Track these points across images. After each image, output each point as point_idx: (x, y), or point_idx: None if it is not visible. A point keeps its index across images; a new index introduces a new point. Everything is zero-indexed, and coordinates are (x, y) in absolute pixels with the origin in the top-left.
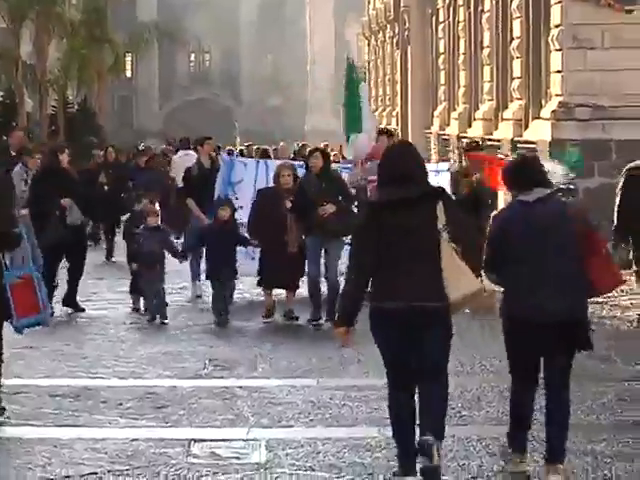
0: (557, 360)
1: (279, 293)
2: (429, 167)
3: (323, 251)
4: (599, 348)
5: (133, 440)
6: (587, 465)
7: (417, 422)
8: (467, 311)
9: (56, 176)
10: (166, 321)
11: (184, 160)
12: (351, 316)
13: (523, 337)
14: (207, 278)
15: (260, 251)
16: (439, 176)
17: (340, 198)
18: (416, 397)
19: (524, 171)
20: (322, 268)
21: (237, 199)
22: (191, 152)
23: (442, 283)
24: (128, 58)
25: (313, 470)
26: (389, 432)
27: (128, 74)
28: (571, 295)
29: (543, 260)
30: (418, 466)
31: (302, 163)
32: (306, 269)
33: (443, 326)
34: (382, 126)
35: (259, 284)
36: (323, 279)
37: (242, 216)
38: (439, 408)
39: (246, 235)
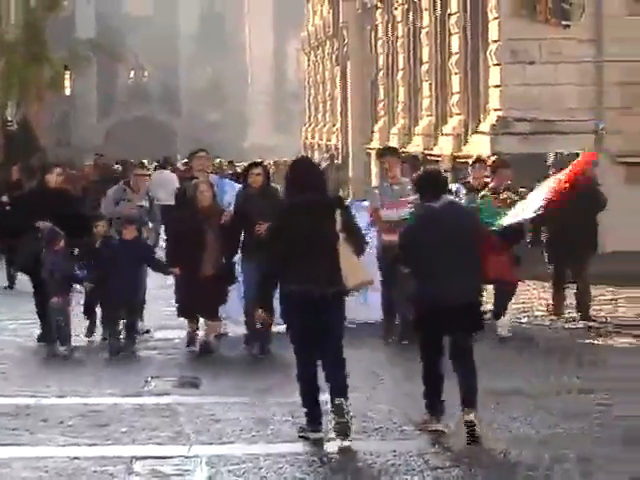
0: (459, 336)
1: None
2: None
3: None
4: None
5: (74, 458)
6: None
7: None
8: None
9: (42, 196)
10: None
11: (162, 178)
12: (267, 299)
13: (432, 319)
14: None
15: (177, 277)
16: None
17: None
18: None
19: (433, 183)
20: None
21: None
22: (166, 171)
23: (340, 273)
24: (67, 75)
25: None
26: (331, 448)
27: (67, 91)
28: (469, 284)
29: (448, 255)
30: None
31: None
32: (241, 293)
33: (340, 307)
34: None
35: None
36: None
37: None
38: (343, 374)
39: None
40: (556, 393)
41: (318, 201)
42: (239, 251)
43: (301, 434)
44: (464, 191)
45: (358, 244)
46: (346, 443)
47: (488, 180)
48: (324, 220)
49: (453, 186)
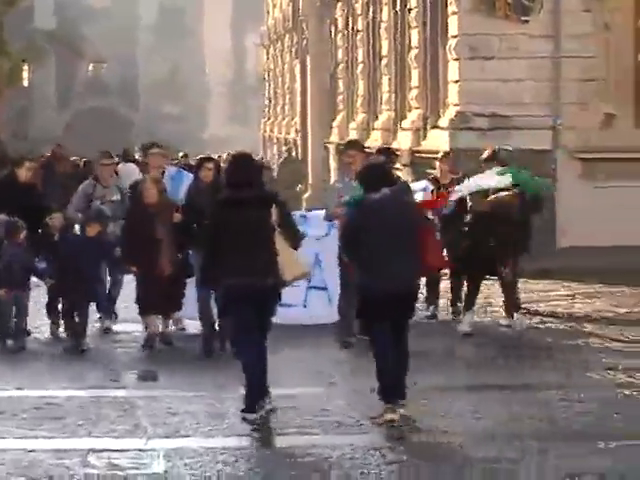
0: (401, 321)
1: None
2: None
3: None
4: None
5: (30, 451)
6: None
7: None
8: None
9: (11, 189)
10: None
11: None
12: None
13: (378, 307)
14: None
15: (135, 275)
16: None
17: None
18: None
19: (376, 174)
20: None
21: None
22: (130, 163)
23: (277, 266)
24: (25, 67)
25: None
26: (289, 441)
27: (25, 83)
28: (411, 272)
29: (391, 244)
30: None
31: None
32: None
33: (276, 297)
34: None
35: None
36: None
37: None
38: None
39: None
40: (516, 388)
41: (254, 196)
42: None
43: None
44: (432, 187)
45: (293, 238)
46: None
47: (458, 176)
48: (260, 214)
49: (422, 183)
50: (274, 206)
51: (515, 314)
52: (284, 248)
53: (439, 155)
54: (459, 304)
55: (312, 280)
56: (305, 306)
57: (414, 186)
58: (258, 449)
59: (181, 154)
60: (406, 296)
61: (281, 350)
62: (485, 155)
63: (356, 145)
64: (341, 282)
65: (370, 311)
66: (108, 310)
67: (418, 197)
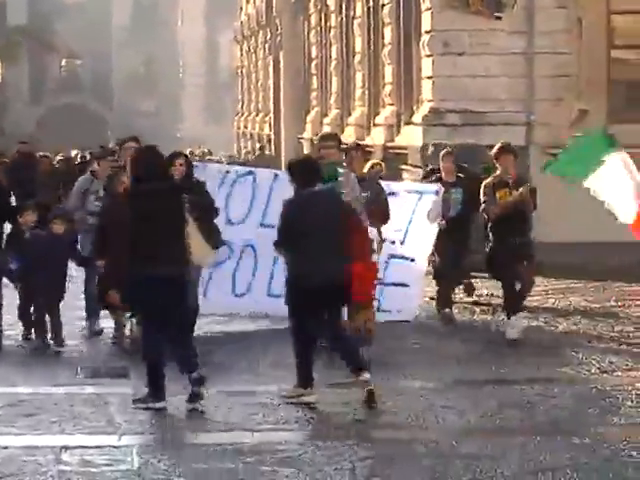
0: (332, 313)
1: None
2: (405, 187)
3: None
4: None
5: (3, 448)
6: None
7: None
8: None
9: None
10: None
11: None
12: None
13: (309, 298)
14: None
15: (103, 269)
16: (422, 200)
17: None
18: None
19: (308, 170)
20: None
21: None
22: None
23: (187, 253)
24: None
25: (186, 476)
26: (263, 437)
27: None
28: (340, 264)
29: (322, 238)
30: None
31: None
32: None
33: (184, 284)
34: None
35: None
36: None
37: (235, 236)
38: (188, 349)
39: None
40: (493, 383)
41: (162, 187)
42: None
43: (141, 405)
44: (442, 190)
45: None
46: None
47: (461, 175)
48: (169, 205)
49: (433, 186)
50: (183, 195)
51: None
52: (194, 234)
53: (441, 154)
54: (446, 309)
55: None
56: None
57: (424, 188)
58: (232, 445)
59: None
60: (335, 289)
61: (254, 346)
62: (495, 150)
63: (333, 138)
64: None
65: (299, 302)
66: (95, 311)
67: (429, 202)
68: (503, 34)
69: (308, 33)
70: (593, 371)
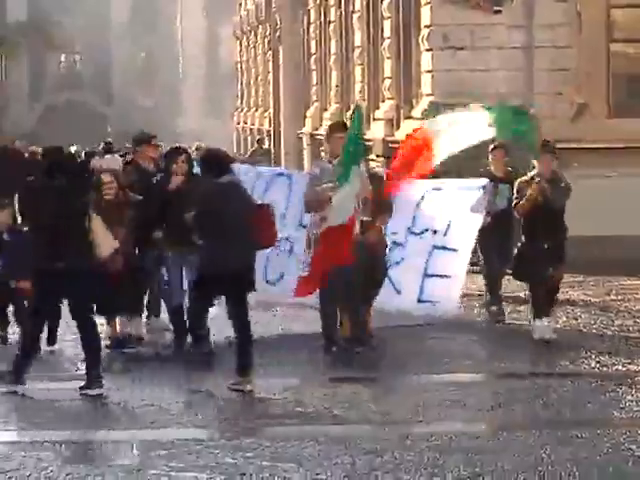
0: (239, 297)
1: None
2: (452, 183)
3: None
4: None
5: (2, 443)
6: None
7: None
8: None
9: None
10: None
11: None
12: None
13: (215, 282)
14: None
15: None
16: (467, 194)
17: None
18: None
19: (218, 161)
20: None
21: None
22: (116, 156)
23: (89, 246)
24: None
25: (186, 471)
26: (266, 432)
27: None
28: (247, 251)
29: (232, 226)
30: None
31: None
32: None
33: (90, 275)
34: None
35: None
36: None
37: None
38: (92, 336)
39: None
40: (493, 376)
41: (66, 184)
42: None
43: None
44: (489, 185)
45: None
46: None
47: (510, 169)
48: (72, 201)
49: (481, 180)
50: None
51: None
52: (99, 227)
53: (490, 147)
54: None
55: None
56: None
57: (471, 183)
58: (231, 440)
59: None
60: (242, 275)
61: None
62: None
63: (342, 129)
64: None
65: (205, 287)
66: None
67: (475, 195)
68: (502, 28)
69: (307, 28)
70: (593, 365)
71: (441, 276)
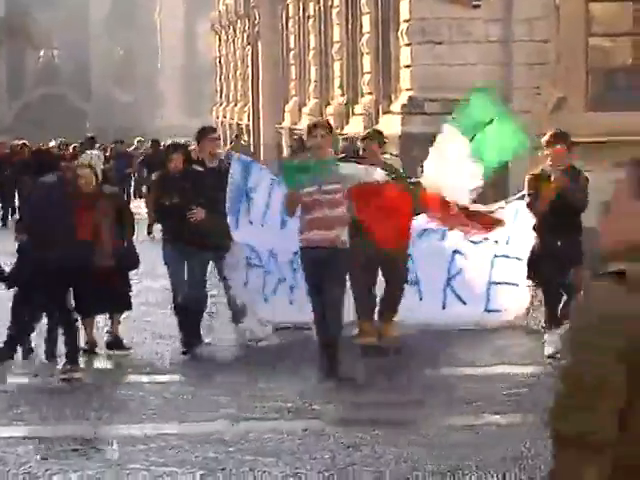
0: (56, 293)
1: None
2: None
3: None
4: None
5: None
6: None
7: None
8: None
9: None
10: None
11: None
12: None
13: (38, 278)
14: None
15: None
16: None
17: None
18: None
19: (42, 160)
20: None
21: (248, 212)
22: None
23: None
24: None
25: (166, 466)
26: (246, 426)
27: None
28: (68, 248)
29: (48, 224)
30: None
31: None
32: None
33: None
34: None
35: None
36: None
37: (250, 238)
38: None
39: None
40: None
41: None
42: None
43: None
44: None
45: None
46: None
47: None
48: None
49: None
50: None
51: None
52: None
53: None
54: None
55: None
56: None
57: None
58: (214, 435)
59: (137, 139)
60: (63, 270)
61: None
62: (547, 137)
63: (322, 127)
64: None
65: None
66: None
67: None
68: (481, 22)
69: (286, 23)
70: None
71: (508, 284)
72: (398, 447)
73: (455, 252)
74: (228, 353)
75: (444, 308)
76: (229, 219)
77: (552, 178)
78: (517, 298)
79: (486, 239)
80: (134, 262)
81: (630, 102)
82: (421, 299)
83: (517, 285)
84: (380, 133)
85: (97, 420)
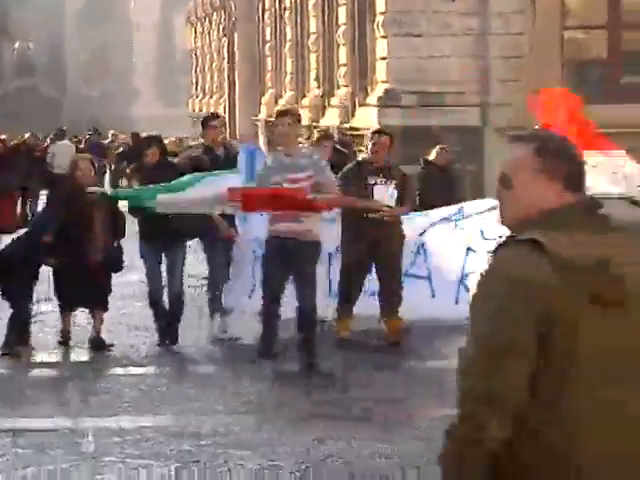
0: None
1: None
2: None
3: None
4: None
5: None
6: None
7: None
8: None
9: None
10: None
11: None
12: None
13: None
14: None
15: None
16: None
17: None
18: None
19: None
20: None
21: None
22: (66, 143)
23: None
24: None
25: (141, 458)
26: (220, 420)
27: None
28: None
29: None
30: None
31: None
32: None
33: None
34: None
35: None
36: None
37: (258, 230)
38: None
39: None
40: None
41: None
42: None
43: None
44: None
45: None
46: None
47: None
48: None
49: None
50: None
51: None
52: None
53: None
54: None
55: (411, 267)
56: None
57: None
58: (188, 427)
59: (112, 132)
60: None
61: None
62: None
63: (288, 114)
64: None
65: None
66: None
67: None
68: (458, 15)
69: (262, 14)
70: None
71: None
72: (365, 440)
73: (469, 249)
74: (204, 347)
75: (457, 303)
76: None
77: None
78: (428, 294)
79: (500, 237)
80: (120, 265)
81: (604, 95)
82: (433, 296)
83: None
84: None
85: (72, 412)
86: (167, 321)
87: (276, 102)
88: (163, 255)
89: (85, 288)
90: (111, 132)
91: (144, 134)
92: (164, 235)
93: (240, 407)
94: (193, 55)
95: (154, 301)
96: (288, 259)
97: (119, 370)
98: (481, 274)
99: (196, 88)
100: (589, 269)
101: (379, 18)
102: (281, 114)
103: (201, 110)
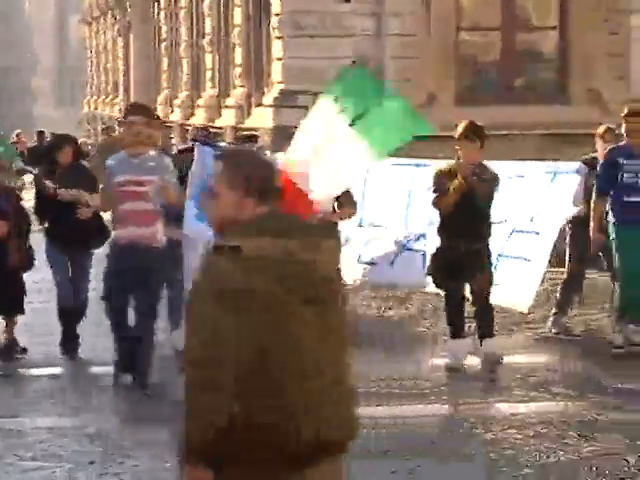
0: None
1: None
2: (539, 166)
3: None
4: None
5: None
6: None
7: None
8: None
9: None
10: None
11: None
12: None
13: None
14: None
15: None
16: (555, 180)
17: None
18: None
19: None
20: None
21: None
22: None
23: None
24: None
25: (34, 460)
26: (109, 424)
27: None
28: None
29: None
30: None
31: None
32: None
33: None
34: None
35: None
36: None
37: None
38: None
39: None
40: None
41: None
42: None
43: None
44: (586, 170)
45: None
46: None
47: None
48: None
49: (575, 164)
50: None
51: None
52: None
53: (599, 131)
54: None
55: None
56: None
57: (560, 167)
58: (83, 429)
59: (17, 132)
60: None
61: None
62: (601, 130)
63: (142, 110)
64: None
65: None
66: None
67: (566, 182)
68: (353, 16)
69: (158, 14)
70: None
71: (517, 258)
72: None
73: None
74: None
75: None
76: (192, 211)
77: (458, 179)
78: (527, 276)
79: (506, 221)
80: (31, 264)
81: (499, 97)
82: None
83: (530, 261)
84: None
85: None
86: (71, 326)
87: (171, 102)
88: (70, 261)
89: (5, 292)
90: (16, 131)
91: (52, 133)
92: (71, 239)
93: (147, 407)
94: (88, 54)
95: (62, 307)
96: (133, 268)
97: (21, 371)
98: (196, 277)
99: (91, 88)
100: (274, 268)
101: (274, 19)
102: (129, 110)
103: (96, 109)
